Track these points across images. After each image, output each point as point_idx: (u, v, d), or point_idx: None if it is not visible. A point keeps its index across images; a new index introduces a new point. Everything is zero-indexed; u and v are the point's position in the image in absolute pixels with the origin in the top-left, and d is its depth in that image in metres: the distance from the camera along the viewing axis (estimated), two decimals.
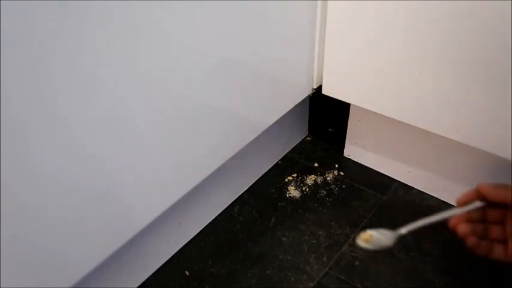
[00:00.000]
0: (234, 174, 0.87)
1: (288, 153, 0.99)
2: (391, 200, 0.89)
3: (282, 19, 0.73)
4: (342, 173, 0.94)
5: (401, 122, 0.78)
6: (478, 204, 0.54)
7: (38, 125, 0.49)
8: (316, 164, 0.96)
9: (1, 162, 0.46)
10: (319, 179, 0.93)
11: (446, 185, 0.86)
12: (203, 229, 0.85)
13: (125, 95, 0.56)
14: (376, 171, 0.94)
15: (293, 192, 0.91)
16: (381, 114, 0.80)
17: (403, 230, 0.61)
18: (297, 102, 0.85)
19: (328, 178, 0.93)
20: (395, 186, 0.91)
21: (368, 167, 0.95)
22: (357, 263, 0.79)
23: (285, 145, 0.98)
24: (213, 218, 0.86)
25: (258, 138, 0.80)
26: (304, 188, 0.91)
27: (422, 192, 0.89)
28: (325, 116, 1.01)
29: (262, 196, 0.90)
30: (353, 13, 0.73)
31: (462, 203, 0.55)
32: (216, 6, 0.61)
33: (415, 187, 0.90)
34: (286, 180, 0.93)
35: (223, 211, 0.88)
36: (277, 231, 0.84)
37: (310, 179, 0.93)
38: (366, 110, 0.81)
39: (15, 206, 0.50)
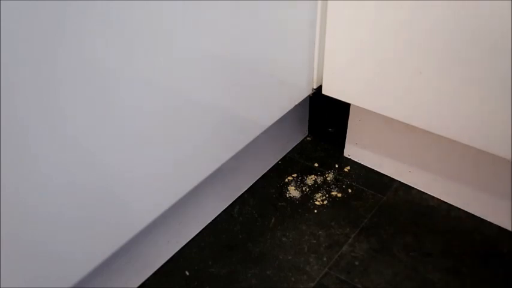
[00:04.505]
0: (234, 174, 0.87)
1: (288, 153, 0.99)
2: (391, 200, 0.89)
3: (282, 19, 0.73)
4: (341, 173, 0.94)
5: (401, 122, 0.78)
6: None
7: (37, 124, 0.49)
8: (316, 164, 0.96)
9: (1, 162, 0.46)
10: (319, 179, 0.93)
11: (446, 185, 0.86)
12: (203, 229, 0.85)
13: (125, 95, 0.56)
14: (376, 171, 0.94)
15: (293, 192, 0.91)
16: (381, 114, 0.80)
17: None
18: (297, 102, 0.85)
19: (328, 178, 0.93)
20: (396, 186, 0.91)
21: (368, 167, 0.95)
22: (356, 263, 0.79)
23: (285, 145, 0.98)
24: (213, 218, 0.86)
25: (258, 138, 0.80)
26: (304, 188, 0.91)
27: (422, 192, 0.89)
28: (325, 116, 1.01)
29: (262, 196, 0.90)
30: (353, 13, 0.73)
31: None
32: (216, 5, 0.61)
33: (415, 187, 0.90)
34: (286, 180, 0.93)
35: (223, 211, 0.88)
36: (277, 231, 0.84)
37: (310, 179, 0.93)
38: (366, 110, 0.81)
39: (15, 206, 0.50)
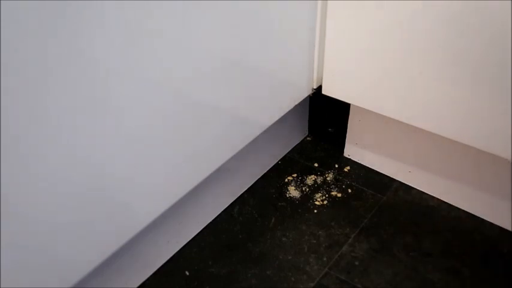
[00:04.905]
0: (234, 174, 0.87)
1: (288, 153, 0.99)
2: (391, 200, 0.89)
3: (282, 19, 0.73)
4: (341, 173, 0.94)
5: (401, 122, 0.78)
6: None
7: (35, 124, 0.49)
8: (316, 164, 0.96)
9: (0, 165, 0.46)
10: (319, 179, 0.93)
11: (446, 185, 0.86)
12: (203, 229, 0.85)
13: (125, 95, 0.56)
14: (376, 171, 0.94)
15: (293, 192, 0.91)
16: (381, 114, 0.80)
17: None
18: (297, 102, 0.85)
19: (328, 178, 0.93)
20: (396, 186, 0.91)
21: (368, 167, 0.95)
22: (356, 263, 0.79)
23: (285, 145, 0.98)
24: (213, 218, 0.86)
25: (258, 138, 0.80)
26: (304, 188, 0.91)
27: (422, 192, 0.89)
28: (325, 116, 1.01)
29: (262, 196, 0.90)
30: (353, 13, 0.73)
31: None
32: (216, 6, 0.61)
33: (415, 187, 0.90)
34: (286, 180, 0.93)
35: (223, 211, 0.88)
36: (277, 231, 0.84)
37: (310, 179, 0.93)
38: (366, 110, 0.81)
39: (15, 207, 0.50)
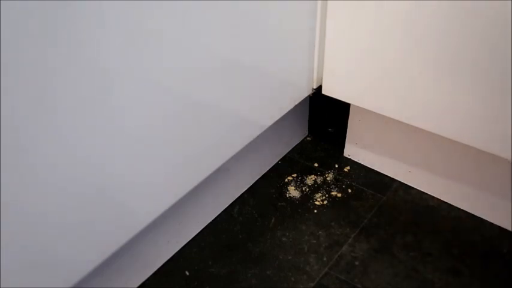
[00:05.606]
0: (234, 174, 0.87)
1: (288, 153, 0.99)
2: (391, 200, 0.89)
3: (282, 19, 0.73)
4: (341, 173, 0.94)
5: (401, 122, 0.78)
6: None
7: (36, 124, 0.49)
8: (316, 164, 0.96)
9: (1, 165, 0.46)
10: (319, 179, 0.93)
11: (446, 185, 0.86)
12: (203, 229, 0.85)
13: (125, 95, 0.56)
14: (376, 171, 0.94)
15: (293, 192, 0.91)
16: (380, 114, 0.80)
17: None
18: (297, 102, 0.85)
19: (328, 178, 0.93)
20: (395, 186, 0.91)
21: (368, 167, 0.95)
22: (356, 263, 0.79)
23: (285, 145, 0.98)
24: (213, 218, 0.86)
25: (258, 138, 0.80)
26: (304, 188, 0.91)
27: (422, 192, 0.89)
28: (325, 116, 1.01)
29: (262, 196, 0.90)
30: (353, 13, 0.73)
31: None
32: (216, 6, 0.61)
33: (415, 187, 0.90)
34: (286, 180, 0.93)
35: (223, 211, 0.88)
36: (277, 231, 0.84)
37: (310, 179, 0.93)
38: (366, 110, 0.81)
39: (15, 207, 0.50)
